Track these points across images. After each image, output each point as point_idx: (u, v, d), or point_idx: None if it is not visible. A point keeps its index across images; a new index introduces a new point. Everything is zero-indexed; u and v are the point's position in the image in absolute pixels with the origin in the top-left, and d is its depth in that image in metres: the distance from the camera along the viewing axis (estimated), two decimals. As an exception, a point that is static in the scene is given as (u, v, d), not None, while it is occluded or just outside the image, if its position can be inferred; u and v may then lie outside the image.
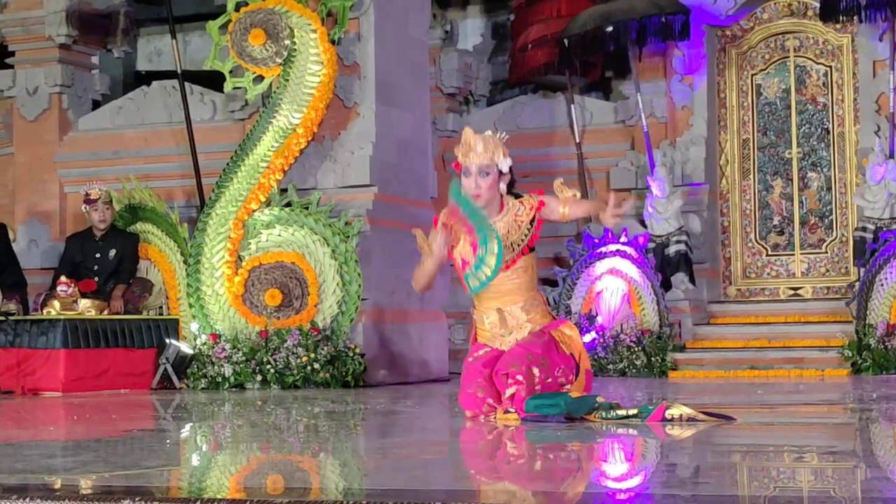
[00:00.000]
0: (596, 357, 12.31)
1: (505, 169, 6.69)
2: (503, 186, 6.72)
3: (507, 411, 6.50)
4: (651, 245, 13.10)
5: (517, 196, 6.81)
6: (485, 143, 6.67)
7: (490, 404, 6.62)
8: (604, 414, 6.31)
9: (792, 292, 13.83)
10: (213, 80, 12.85)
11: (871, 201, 12.61)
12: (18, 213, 13.59)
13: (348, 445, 6.08)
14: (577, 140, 14.39)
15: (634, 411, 6.34)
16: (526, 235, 6.71)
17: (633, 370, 12.45)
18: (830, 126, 13.74)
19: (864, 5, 12.77)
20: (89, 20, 13.86)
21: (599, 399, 6.42)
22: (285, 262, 11.33)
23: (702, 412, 6.29)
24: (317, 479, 4.60)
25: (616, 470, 4.80)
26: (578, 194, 6.77)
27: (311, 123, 11.49)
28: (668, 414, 6.26)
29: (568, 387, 6.61)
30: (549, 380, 6.54)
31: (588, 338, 12.29)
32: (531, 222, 6.72)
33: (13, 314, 11.24)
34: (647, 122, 13.80)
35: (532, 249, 6.80)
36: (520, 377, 6.45)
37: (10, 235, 12.29)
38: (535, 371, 6.50)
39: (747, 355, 12.71)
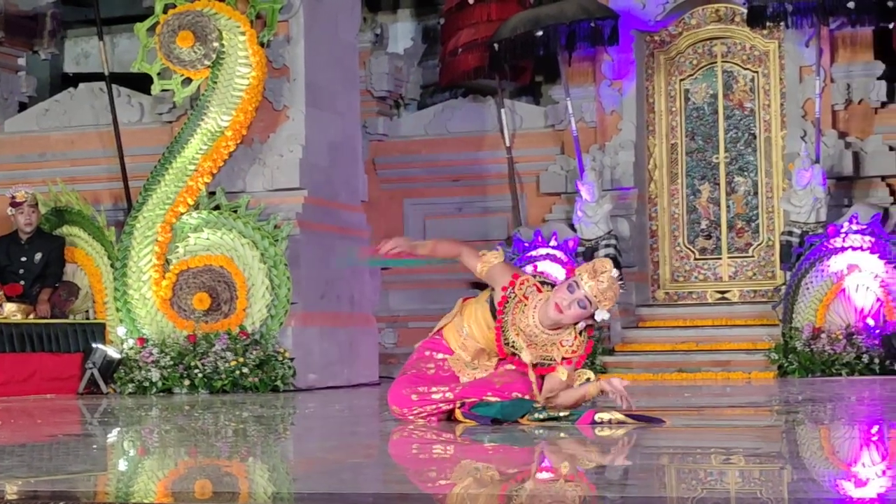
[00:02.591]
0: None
1: (599, 319, 6.47)
2: (581, 326, 6.47)
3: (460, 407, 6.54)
4: (581, 249, 13.15)
5: (579, 332, 6.53)
6: (609, 286, 6.37)
7: (426, 397, 6.60)
8: (536, 416, 6.33)
9: (719, 296, 13.94)
10: (140, 83, 12.76)
11: (797, 206, 12.73)
12: (-57, 215, 13.42)
13: (277, 450, 6.05)
14: (508, 144, 14.42)
15: (565, 413, 6.38)
16: (551, 361, 6.59)
17: (563, 373, 12.47)
18: (757, 131, 13.87)
19: (790, 11, 12.89)
20: (15, 22, 13.73)
21: (536, 404, 6.43)
22: (214, 265, 11.26)
23: (630, 415, 6.33)
24: (245, 483, 4.57)
25: (548, 471, 4.80)
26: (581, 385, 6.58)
27: (240, 126, 11.44)
28: (597, 417, 6.30)
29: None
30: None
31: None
32: (564, 357, 6.52)
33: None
34: (577, 127, 13.86)
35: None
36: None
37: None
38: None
39: (675, 358, 12.81)
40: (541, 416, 6.33)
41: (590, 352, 6.68)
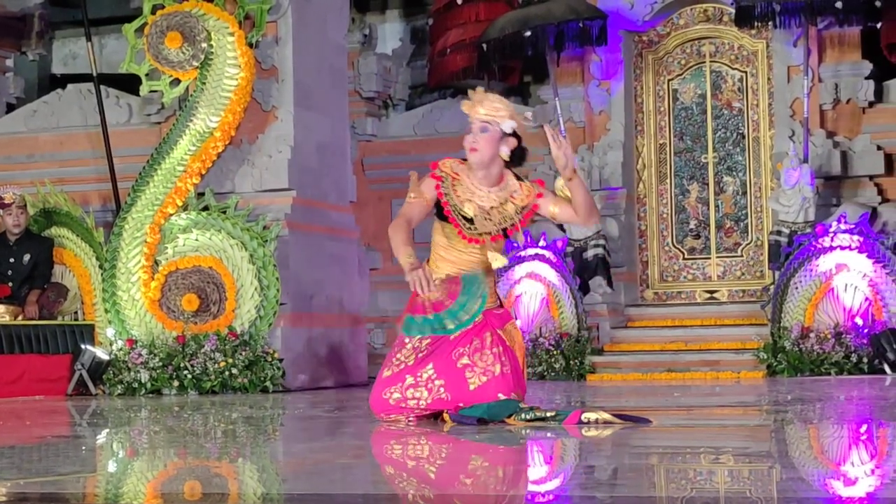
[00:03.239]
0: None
1: (507, 130, 6.58)
2: (505, 150, 6.60)
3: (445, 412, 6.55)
4: (569, 249, 13.16)
5: (518, 178, 6.73)
6: (490, 99, 6.62)
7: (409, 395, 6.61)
8: (523, 416, 6.34)
9: (708, 295, 13.95)
10: (129, 83, 12.75)
11: (785, 205, 12.74)
12: (-70, 217, 13.37)
13: (266, 451, 6.04)
14: (496, 144, 14.39)
15: (552, 413, 6.38)
16: (513, 218, 6.65)
17: (552, 373, 12.50)
18: (746, 131, 13.88)
19: (778, 11, 12.90)
20: (3, 23, 13.72)
21: (522, 405, 6.44)
22: (203, 266, 11.25)
23: (618, 415, 6.34)
24: (235, 484, 4.57)
25: (535, 472, 4.81)
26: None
27: (229, 127, 11.44)
28: (584, 417, 6.30)
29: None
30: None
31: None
32: (523, 208, 6.67)
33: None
34: (566, 127, 13.86)
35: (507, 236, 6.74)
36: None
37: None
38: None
39: (664, 358, 12.81)
40: (527, 417, 6.34)
41: (543, 184, 6.77)
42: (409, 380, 6.62)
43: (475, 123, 6.60)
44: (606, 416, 6.31)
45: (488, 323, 6.66)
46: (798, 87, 13.30)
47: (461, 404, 6.51)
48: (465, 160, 6.72)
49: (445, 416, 6.54)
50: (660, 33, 14.21)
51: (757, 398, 9.20)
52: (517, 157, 6.69)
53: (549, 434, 6.00)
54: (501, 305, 6.90)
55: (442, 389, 6.58)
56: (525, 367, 6.86)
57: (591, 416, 6.32)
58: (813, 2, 12.72)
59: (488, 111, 6.58)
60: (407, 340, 6.71)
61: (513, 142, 6.61)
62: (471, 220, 6.63)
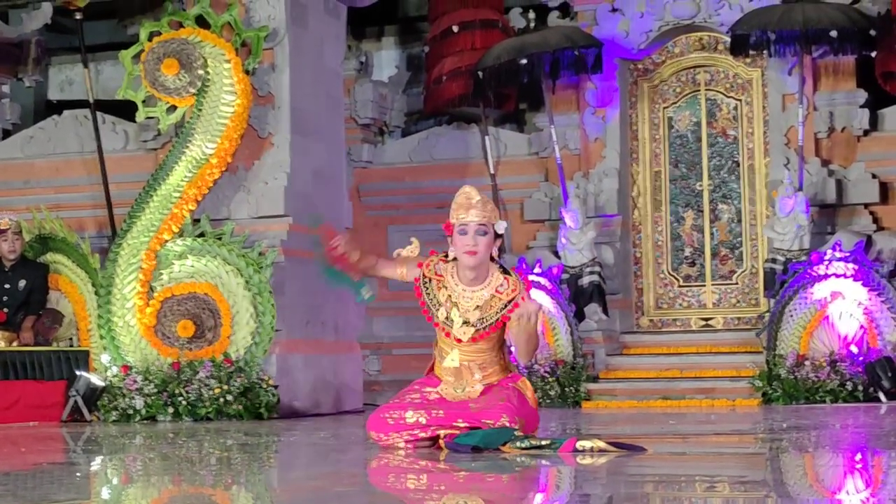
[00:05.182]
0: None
1: (501, 231, 6.66)
2: (495, 250, 6.68)
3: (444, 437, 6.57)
4: (565, 276, 13.16)
5: (504, 271, 6.74)
6: (485, 201, 6.64)
7: (403, 423, 6.64)
8: (517, 444, 6.35)
9: (703, 323, 13.96)
10: (125, 110, 12.76)
11: (780, 233, 12.77)
12: (-74, 242, 13.36)
13: (261, 478, 6.03)
14: (492, 171, 14.44)
15: (547, 442, 6.39)
16: (497, 314, 6.67)
17: (547, 400, 12.49)
18: (741, 159, 13.92)
19: (773, 40, 12.94)
20: (0, 48, 13.71)
21: (517, 433, 6.45)
22: (198, 292, 11.25)
23: (612, 443, 6.34)
24: (230, 511, 4.56)
25: (531, 501, 4.80)
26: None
27: (225, 153, 11.45)
28: (579, 445, 6.31)
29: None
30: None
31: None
32: (508, 302, 6.66)
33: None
34: (561, 154, 13.89)
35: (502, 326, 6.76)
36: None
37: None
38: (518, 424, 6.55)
39: (659, 385, 12.81)
40: (522, 445, 6.35)
41: (530, 286, 6.79)
42: (411, 410, 6.66)
43: (471, 226, 6.58)
44: (602, 444, 6.32)
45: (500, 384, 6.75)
46: (793, 115, 13.34)
47: (460, 420, 6.52)
48: (446, 257, 6.75)
49: (441, 442, 6.55)
50: (655, 61, 14.25)
51: (752, 426, 9.19)
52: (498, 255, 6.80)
53: (544, 462, 6.00)
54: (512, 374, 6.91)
55: (441, 412, 6.61)
56: (536, 406, 6.87)
57: (587, 444, 6.33)
58: (808, 31, 12.78)
59: (487, 214, 6.61)
60: (417, 386, 6.80)
61: (500, 241, 6.73)
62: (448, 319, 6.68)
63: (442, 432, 6.58)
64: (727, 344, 13.39)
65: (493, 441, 6.39)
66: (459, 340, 6.70)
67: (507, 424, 6.46)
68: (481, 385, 6.74)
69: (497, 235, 6.66)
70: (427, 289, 6.75)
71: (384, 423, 6.70)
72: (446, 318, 6.68)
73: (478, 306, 6.65)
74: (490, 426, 6.48)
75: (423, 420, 6.62)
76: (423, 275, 6.74)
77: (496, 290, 6.65)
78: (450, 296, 6.69)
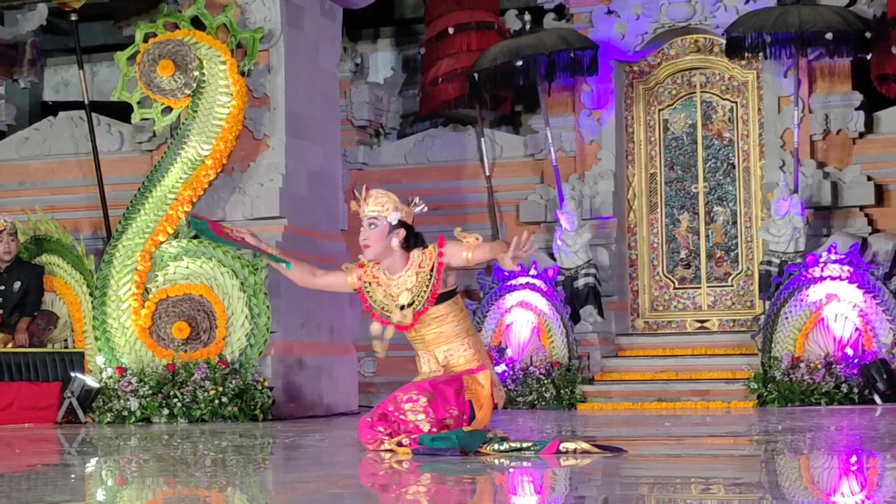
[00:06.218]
0: (505, 389, 12.33)
1: (394, 221, 6.74)
2: (395, 242, 6.78)
3: (400, 444, 6.56)
4: (560, 278, 13.17)
5: (423, 248, 6.86)
6: (375, 196, 6.82)
7: (381, 432, 6.68)
8: (496, 447, 6.38)
9: (699, 325, 13.96)
10: (120, 111, 12.75)
11: (775, 235, 12.77)
12: (-79, 244, 13.35)
13: (256, 480, 6.03)
14: (487, 173, 14.45)
15: (528, 444, 6.44)
16: (428, 285, 6.76)
17: (543, 402, 12.49)
18: (736, 161, 13.92)
19: (769, 42, 12.95)
20: (-5, 50, 13.71)
21: (490, 434, 6.51)
22: (193, 294, 11.24)
23: (595, 445, 6.38)
24: (224, 513, 4.56)
25: (525, 502, 4.80)
26: (481, 238, 6.78)
27: (220, 155, 11.44)
28: (562, 447, 6.36)
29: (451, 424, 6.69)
30: (434, 414, 6.62)
31: (498, 370, 12.32)
32: (431, 270, 6.76)
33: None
34: (556, 156, 13.89)
35: (446, 298, 6.80)
36: (410, 399, 6.64)
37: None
38: (423, 399, 6.63)
39: (655, 387, 12.81)
40: (502, 447, 6.39)
41: (442, 244, 6.80)
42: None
43: (363, 222, 6.84)
44: (585, 445, 6.37)
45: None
46: (788, 117, 13.35)
47: (394, 408, 6.68)
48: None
49: (402, 452, 6.53)
50: (650, 63, 14.25)
51: (747, 428, 9.19)
52: (414, 242, 6.86)
53: (526, 464, 6.00)
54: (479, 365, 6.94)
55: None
56: (491, 402, 6.87)
57: (570, 445, 6.38)
58: (803, 33, 12.79)
59: (373, 207, 6.79)
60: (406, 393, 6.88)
61: (402, 232, 6.80)
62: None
63: (405, 440, 6.59)
64: (722, 346, 13.39)
65: (469, 444, 6.43)
66: (406, 328, 6.86)
67: (414, 398, 6.60)
68: (443, 370, 6.82)
69: (402, 224, 6.76)
70: (369, 292, 6.96)
71: (368, 427, 6.77)
72: (383, 309, 6.90)
73: (407, 289, 6.82)
74: (403, 400, 6.64)
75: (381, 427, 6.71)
76: (363, 281, 6.94)
77: (419, 267, 6.81)
78: (385, 291, 6.87)
